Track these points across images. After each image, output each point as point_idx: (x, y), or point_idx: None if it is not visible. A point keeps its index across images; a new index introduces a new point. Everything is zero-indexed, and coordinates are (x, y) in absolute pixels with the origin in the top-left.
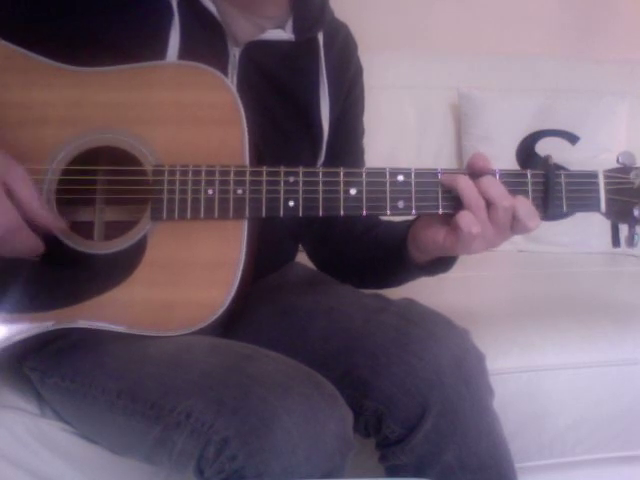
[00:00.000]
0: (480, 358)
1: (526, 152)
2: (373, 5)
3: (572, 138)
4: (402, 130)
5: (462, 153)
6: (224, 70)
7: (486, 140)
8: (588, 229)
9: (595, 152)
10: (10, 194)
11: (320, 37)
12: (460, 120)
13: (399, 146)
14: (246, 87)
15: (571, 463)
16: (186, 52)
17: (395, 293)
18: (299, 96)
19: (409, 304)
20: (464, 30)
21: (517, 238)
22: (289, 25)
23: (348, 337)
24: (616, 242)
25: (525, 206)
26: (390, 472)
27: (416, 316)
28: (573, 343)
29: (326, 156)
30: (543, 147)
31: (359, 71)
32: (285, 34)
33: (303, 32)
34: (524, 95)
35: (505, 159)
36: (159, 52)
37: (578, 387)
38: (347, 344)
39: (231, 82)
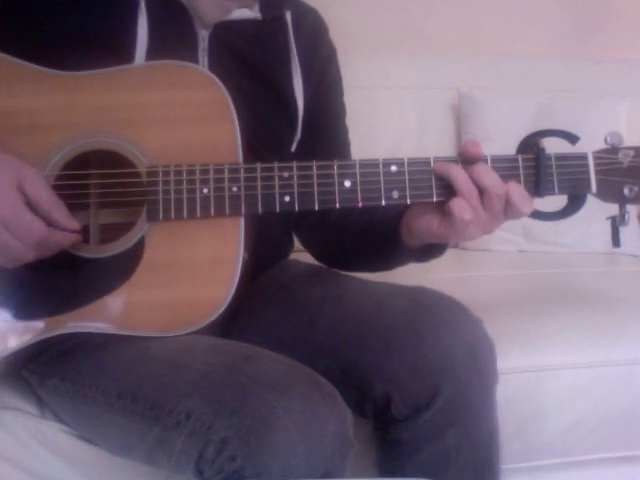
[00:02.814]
0: (491, 346)
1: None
2: (373, 5)
3: (572, 138)
4: (402, 130)
5: None
6: (194, 53)
7: (486, 140)
8: (588, 229)
9: None
10: (29, 202)
11: (288, 16)
12: (460, 120)
13: (399, 146)
14: (217, 69)
15: (571, 463)
16: (155, 39)
17: None
18: (270, 72)
19: (421, 289)
20: (464, 30)
21: (518, 238)
22: (256, 8)
23: (359, 323)
24: (616, 242)
25: (518, 191)
26: (384, 446)
27: (429, 301)
28: (573, 343)
29: (311, 138)
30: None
31: (333, 52)
32: (251, 13)
33: (269, 10)
34: (524, 95)
35: None
36: (128, 41)
37: (578, 387)
38: (358, 329)
39: (202, 65)
